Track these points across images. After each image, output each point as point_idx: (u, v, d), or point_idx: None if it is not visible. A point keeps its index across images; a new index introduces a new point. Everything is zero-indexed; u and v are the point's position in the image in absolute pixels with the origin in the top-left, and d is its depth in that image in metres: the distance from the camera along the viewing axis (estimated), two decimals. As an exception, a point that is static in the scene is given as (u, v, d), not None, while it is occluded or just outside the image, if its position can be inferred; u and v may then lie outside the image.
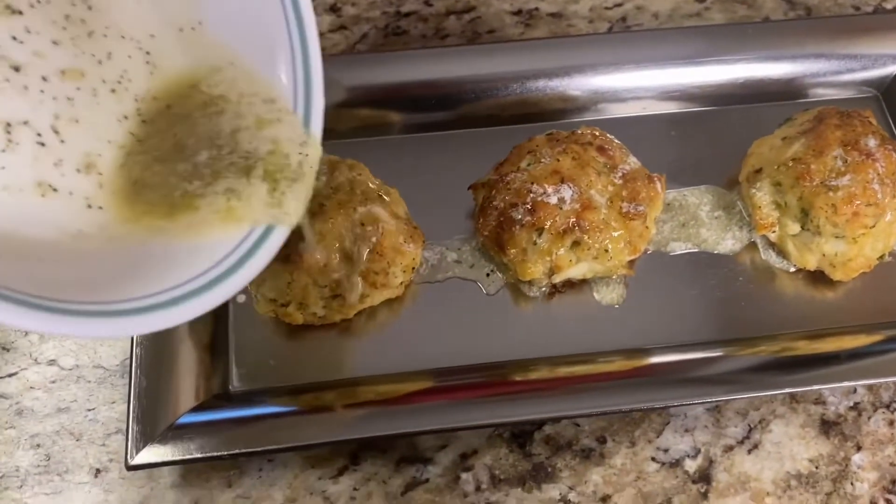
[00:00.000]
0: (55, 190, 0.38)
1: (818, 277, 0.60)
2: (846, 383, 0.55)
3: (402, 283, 0.57)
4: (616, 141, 0.60)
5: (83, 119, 0.40)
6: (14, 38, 0.38)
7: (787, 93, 0.68)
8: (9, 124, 0.38)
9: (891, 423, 0.56)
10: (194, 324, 0.56)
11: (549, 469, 0.54)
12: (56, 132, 0.39)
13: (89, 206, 0.39)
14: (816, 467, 0.55)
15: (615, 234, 0.56)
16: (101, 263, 0.38)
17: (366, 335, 0.58)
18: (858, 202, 0.56)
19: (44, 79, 0.39)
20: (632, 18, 0.75)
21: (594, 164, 0.57)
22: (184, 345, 0.55)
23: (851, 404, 0.57)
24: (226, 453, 0.51)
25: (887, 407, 0.57)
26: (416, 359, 0.57)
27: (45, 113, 0.39)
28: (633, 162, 0.59)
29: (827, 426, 0.56)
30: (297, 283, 0.54)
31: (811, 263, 0.59)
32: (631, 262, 0.60)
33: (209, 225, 0.40)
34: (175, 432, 0.52)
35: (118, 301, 0.35)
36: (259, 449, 0.52)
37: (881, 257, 0.59)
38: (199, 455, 0.51)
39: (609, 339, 0.58)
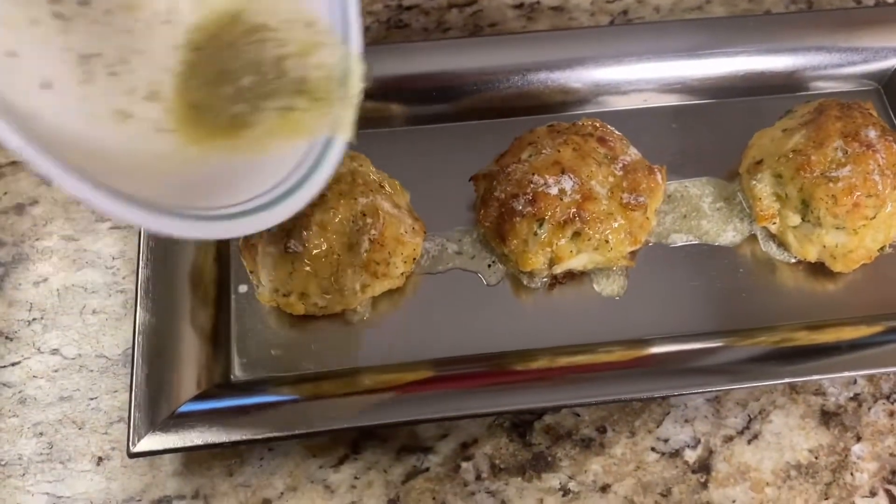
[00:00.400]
0: (130, 116, 0.42)
1: (819, 269, 0.60)
2: (846, 374, 0.55)
3: (403, 273, 0.58)
4: (616, 132, 0.60)
5: (144, 50, 0.44)
6: None
7: (787, 86, 0.68)
8: (84, 57, 0.41)
9: (891, 414, 0.56)
10: (196, 313, 0.57)
11: (549, 458, 0.55)
12: (124, 62, 0.43)
13: (160, 130, 0.43)
14: (816, 458, 0.55)
15: (616, 224, 0.56)
16: (185, 179, 0.42)
17: (367, 326, 0.58)
18: (859, 193, 0.56)
19: (107, 12, 0.43)
20: (633, 12, 0.75)
21: (595, 156, 0.58)
22: (186, 334, 0.56)
23: (851, 395, 0.57)
24: (226, 440, 0.51)
25: (887, 398, 0.57)
26: (417, 349, 0.57)
27: (113, 45, 0.43)
28: (633, 153, 0.59)
29: (827, 417, 0.56)
30: (298, 273, 0.54)
31: (812, 255, 0.59)
32: (632, 254, 0.60)
33: (270, 140, 0.44)
34: (176, 420, 0.52)
35: (210, 208, 0.39)
36: (260, 436, 0.52)
37: (882, 248, 0.59)
38: (200, 443, 0.51)
39: (610, 330, 0.58)
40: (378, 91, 0.67)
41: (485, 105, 0.67)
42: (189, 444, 0.51)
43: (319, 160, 0.44)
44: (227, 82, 0.45)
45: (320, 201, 0.54)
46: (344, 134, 0.45)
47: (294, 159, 0.44)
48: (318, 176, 0.44)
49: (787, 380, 0.55)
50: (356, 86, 0.46)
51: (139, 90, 0.43)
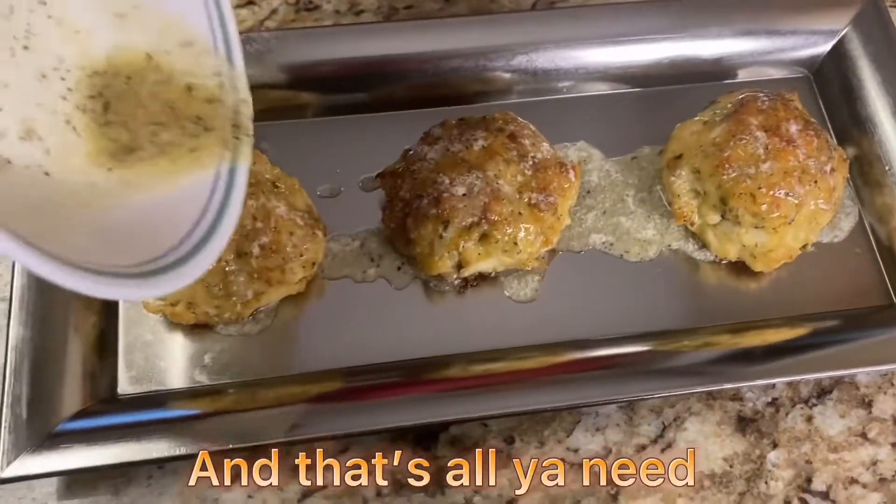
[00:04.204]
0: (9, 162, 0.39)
1: (740, 268, 0.58)
2: (763, 381, 0.53)
3: (302, 278, 0.54)
4: (530, 127, 0.57)
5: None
6: None
7: (715, 73, 0.65)
8: None
9: (809, 419, 0.55)
10: (80, 323, 0.53)
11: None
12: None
13: (47, 174, 0.40)
14: (731, 466, 0.53)
15: (525, 226, 0.53)
16: (103, 230, 0.39)
17: (267, 334, 0.55)
18: (778, 191, 0.53)
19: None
20: (559, -6, 0.72)
21: (504, 153, 0.54)
22: (68, 346, 0.52)
23: (769, 400, 0.55)
24: (106, 463, 0.48)
25: (806, 402, 0.55)
26: (320, 359, 0.54)
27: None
28: (545, 149, 0.56)
29: (744, 423, 0.54)
30: (184, 282, 0.50)
31: (731, 254, 0.57)
32: (551, 253, 0.57)
33: (174, 177, 0.42)
34: (54, 440, 0.49)
35: (133, 265, 0.36)
36: (144, 458, 0.49)
37: (804, 247, 0.57)
38: (78, 466, 0.48)
39: (523, 334, 0.56)
40: (286, 79, 0.63)
41: (399, 95, 0.64)
42: (65, 467, 0.48)
43: (227, 194, 0.41)
44: (125, 124, 0.42)
45: (207, 204, 0.51)
46: (245, 162, 0.42)
47: (202, 197, 0.41)
48: (230, 210, 0.41)
49: (703, 388, 0.53)
50: (247, 109, 0.44)
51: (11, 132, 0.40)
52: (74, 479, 0.51)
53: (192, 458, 0.50)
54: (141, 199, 0.40)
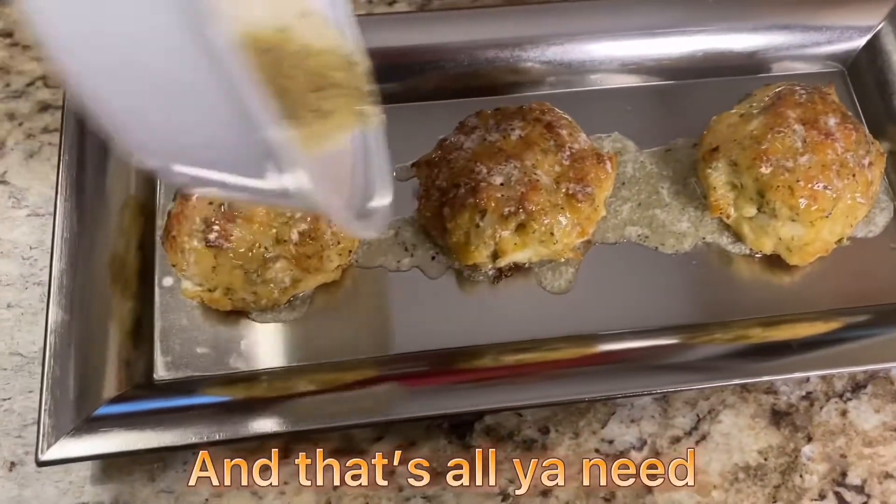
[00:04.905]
0: None
1: (775, 261, 0.58)
2: (798, 374, 0.53)
3: (338, 266, 0.54)
4: (566, 117, 0.57)
5: None
6: None
7: (749, 67, 0.65)
8: None
9: (843, 414, 0.55)
10: (116, 308, 0.53)
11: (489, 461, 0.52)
12: None
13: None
14: (765, 459, 0.53)
15: (561, 216, 0.53)
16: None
17: (302, 321, 0.55)
18: (816, 185, 0.53)
19: None
20: (591, -14, 0.71)
21: (541, 143, 0.54)
22: (104, 331, 0.52)
23: (804, 394, 0.55)
24: (145, 447, 0.48)
25: (840, 397, 0.55)
26: (355, 347, 0.55)
27: None
28: (582, 140, 0.56)
29: (778, 416, 0.54)
30: (223, 268, 0.50)
31: (767, 247, 0.57)
32: (587, 244, 0.57)
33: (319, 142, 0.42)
34: (92, 425, 0.49)
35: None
36: (182, 443, 0.49)
37: (839, 241, 0.57)
38: (116, 450, 0.48)
39: (557, 325, 0.55)
40: (319, 68, 0.63)
41: (431, 85, 0.64)
42: (104, 451, 0.48)
43: (370, 155, 0.44)
44: (278, 94, 0.42)
45: (246, 191, 0.51)
46: (375, 122, 0.44)
47: (349, 158, 0.44)
48: (384, 172, 0.44)
49: (737, 381, 0.53)
50: (364, 72, 0.45)
51: None
52: (111, 464, 0.51)
53: (227, 443, 0.50)
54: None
